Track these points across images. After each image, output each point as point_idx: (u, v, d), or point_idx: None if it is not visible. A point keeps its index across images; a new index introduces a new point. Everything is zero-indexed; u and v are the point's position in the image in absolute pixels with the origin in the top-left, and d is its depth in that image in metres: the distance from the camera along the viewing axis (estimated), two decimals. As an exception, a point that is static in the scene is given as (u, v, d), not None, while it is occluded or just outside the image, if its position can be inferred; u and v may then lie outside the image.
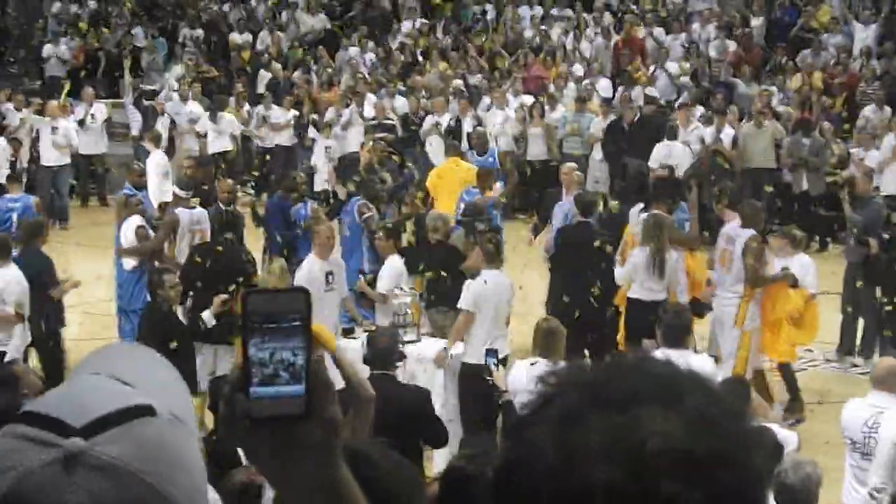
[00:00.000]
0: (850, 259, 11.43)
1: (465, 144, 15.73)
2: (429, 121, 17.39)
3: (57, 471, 1.10)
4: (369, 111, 17.92)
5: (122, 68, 21.29)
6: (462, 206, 11.82)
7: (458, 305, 8.71)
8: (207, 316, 8.94)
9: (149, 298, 9.64)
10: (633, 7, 21.76)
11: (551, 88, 18.54)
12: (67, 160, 17.13)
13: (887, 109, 16.54)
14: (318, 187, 15.73)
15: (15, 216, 12.20)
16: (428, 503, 3.08)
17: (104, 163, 18.18)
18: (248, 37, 22.10)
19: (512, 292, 8.91)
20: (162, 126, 18.08)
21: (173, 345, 8.02)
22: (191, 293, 9.36)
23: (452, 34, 21.81)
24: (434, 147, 16.78)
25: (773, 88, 17.99)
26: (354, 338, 9.22)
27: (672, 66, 19.31)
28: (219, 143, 17.92)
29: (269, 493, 4.70)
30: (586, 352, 9.60)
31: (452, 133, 16.76)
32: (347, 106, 18.01)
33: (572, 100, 17.86)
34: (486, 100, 18.21)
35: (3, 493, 1.10)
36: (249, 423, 1.23)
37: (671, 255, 9.56)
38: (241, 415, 1.22)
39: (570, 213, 11.01)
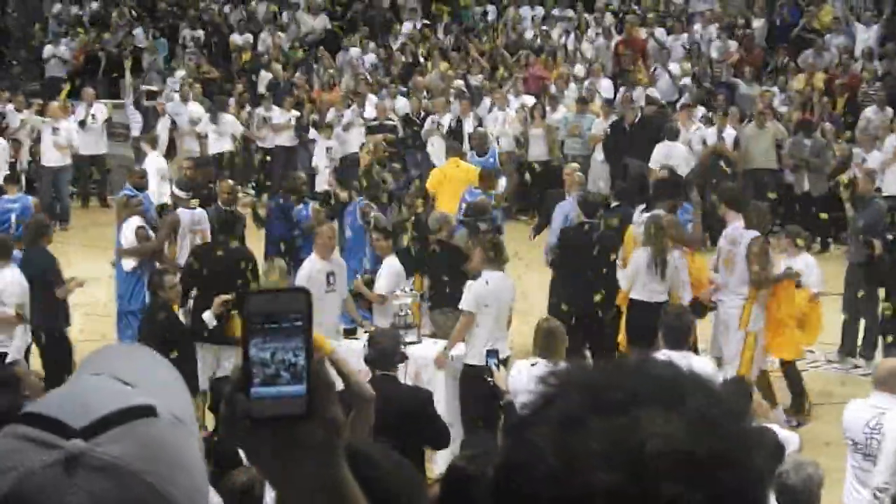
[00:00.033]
0: (852, 260, 11.42)
1: (466, 145, 15.74)
2: (430, 121, 17.39)
3: (58, 472, 1.10)
4: (370, 112, 17.91)
5: (123, 69, 21.29)
6: (464, 206, 11.82)
7: (460, 306, 8.70)
8: (208, 317, 8.93)
9: (148, 299, 9.66)
10: (635, 8, 21.76)
11: (552, 89, 18.54)
12: (69, 161, 17.13)
13: (889, 110, 16.52)
14: (319, 188, 15.74)
15: (14, 217, 12.21)
16: (429, 504, 3.08)
17: (104, 163, 18.19)
18: (248, 37, 22.11)
19: (513, 293, 8.91)
20: (163, 127, 18.10)
21: (173, 345, 8.01)
22: (192, 294, 9.36)
23: (454, 34, 21.82)
24: (435, 148, 16.78)
25: (775, 89, 17.99)
26: (356, 339, 9.22)
27: (673, 67, 19.31)
28: (219, 144, 17.92)
29: (270, 495, 4.70)
30: (587, 353, 9.60)
31: (453, 134, 16.76)
32: (348, 107, 18.02)
33: (573, 100, 17.86)
34: (488, 100, 18.21)
35: (4, 493, 1.10)
36: (250, 424, 1.22)
37: (673, 256, 9.55)
38: (242, 415, 1.22)
39: (570, 214, 11.01)
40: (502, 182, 12.52)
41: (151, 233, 10.93)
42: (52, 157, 16.99)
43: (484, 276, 8.69)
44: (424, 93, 18.77)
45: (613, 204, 11.41)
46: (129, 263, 10.56)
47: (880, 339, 10.89)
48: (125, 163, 17.57)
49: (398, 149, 16.94)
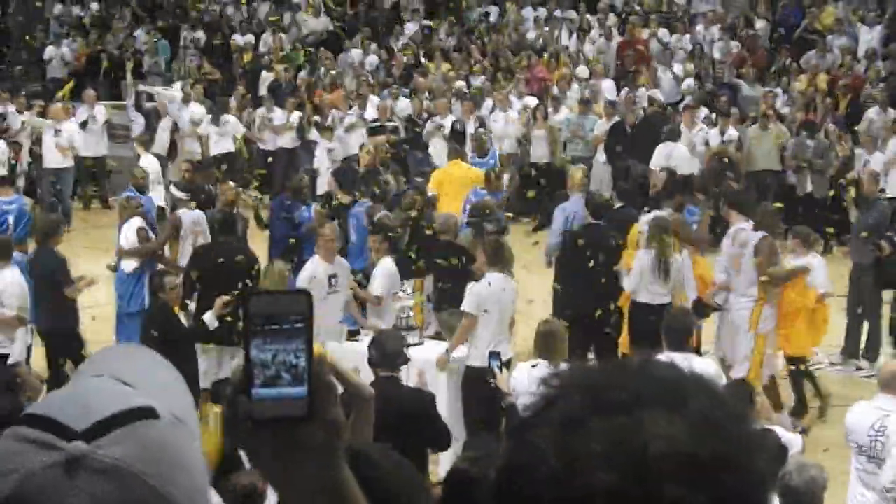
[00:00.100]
0: (855, 261, 11.41)
1: (468, 147, 15.74)
2: (431, 123, 17.39)
3: (59, 474, 1.10)
4: (372, 113, 17.92)
5: (125, 70, 21.31)
6: (468, 207, 11.81)
7: (461, 308, 8.70)
8: (209, 318, 8.93)
9: (149, 300, 9.67)
10: (637, 9, 21.76)
11: (555, 90, 18.54)
12: (70, 163, 17.13)
13: (891, 111, 16.51)
14: (320, 190, 15.74)
15: (11, 218, 12.22)
16: (431, 505, 3.07)
17: (105, 165, 18.20)
18: (249, 38, 22.12)
19: (516, 294, 8.90)
20: (164, 128, 18.11)
21: (174, 347, 8.01)
22: (193, 295, 9.36)
23: (456, 36, 21.82)
24: (437, 149, 16.78)
25: (778, 90, 17.98)
26: (357, 340, 9.23)
27: (676, 68, 19.31)
28: (221, 145, 17.92)
29: (272, 497, 4.70)
30: (590, 354, 9.59)
31: (455, 135, 16.76)
32: (350, 108, 18.02)
33: (576, 102, 17.86)
34: (490, 101, 18.21)
35: (5, 495, 1.10)
36: (251, 425, 1.23)
37: (677, 257, 9.55)
38: (243, 416, 1.22)
39: (570, 216, 11.00)
40: (505, 178, 12.53)
41: (152, 234, 10.94)
42: (53, 159, 16.99)
43: (486, 278, 8.69)
44: (426, 94, 18.78)
45: (617, 205, 11.41)
46: (129, 265, 10.57)
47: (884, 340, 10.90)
48: (126, 164, 17.58)
49: (399, 150, 16.93)
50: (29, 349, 9.43)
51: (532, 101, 17.98)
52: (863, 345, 11.25)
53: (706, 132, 16.19)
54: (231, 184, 12.24)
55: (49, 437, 1.11)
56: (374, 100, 18.38)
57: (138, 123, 18.74)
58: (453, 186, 12.87)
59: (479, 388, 8.12)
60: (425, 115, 17.86)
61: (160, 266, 10.31)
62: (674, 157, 15.06)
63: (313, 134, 17.66)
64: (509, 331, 8.93)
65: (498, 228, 10.90)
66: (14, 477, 1.10)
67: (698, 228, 10.60)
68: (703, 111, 17.08)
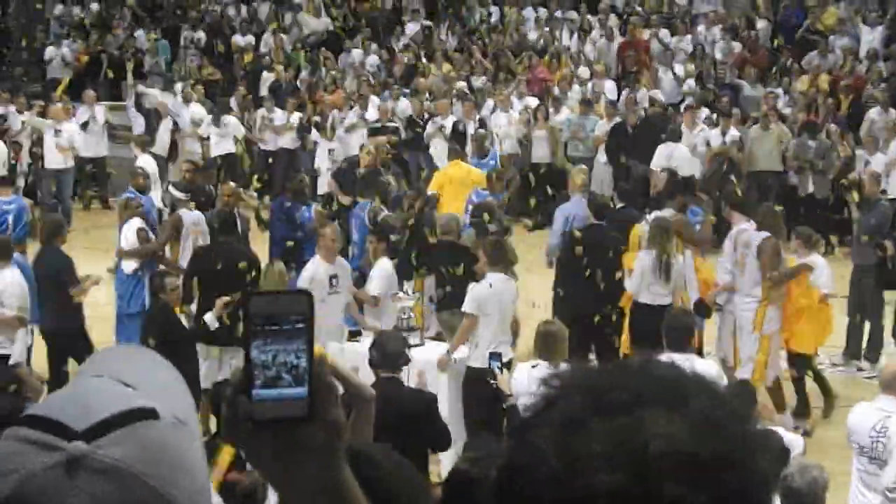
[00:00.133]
0: (857, 262, 11.41)
1: (469, 147, 15.73)
2: (432, 124, 17.39)
3: (59, 474, 1.10)
4: (373, 113, 17.92)
5: (125, 71, 21.31)
6: (470, 207, 11.81)
7: (462, 309, 8.70)
8: (210, 318, 8.93)
9: (149, 301, 9.66)
10: (639, 9, 21.76)
11: (556, 91, 18.53)
12: (71, 163, 17.14)
13: (893, 112, 16.51)
14: (321, 190, 15.74)
15: (10, 218, 12.22)
16: (432, 506, 3.07)
17: (105, 165, 18.20)
18: (250, 39, 22.12)
19: (517, 295, 8.90)
20: (164, 129, 18.10)
21: (174, 347, 8.01)
22: (194, 296, 9.36)
23: (457, 36, 21.82)
24: (438, 150, 16.78)
25: (779, 91, 17.98)
26: (357, 341, 9.23)
27: (677, 69, 19.31)
28: (222, 146, 17.92)
29: (273, 499, 4.70)
30: (591, 355, 9.59)
31: (456, 136, 16.76)
32: (351, 108, 18.01)
33: (577, 102, 17.86)
34: (490, 102, 18.21)
35: (6, 495, 1.10)
36: (252, 426, 1.22)
37: (678, 259, 9.55)
38: (243, 417, 1.22)
39: (570, 217, 11.00)
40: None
41: (152, 235, 10.94)
42: (54, 160, 16.99)
43: (487, 279, 8.69)
44: (427, 95, 18.77)
45: (618, 205, 11.40)
46: (129, 265, 10.57)
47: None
48: (126, 165, 17.57)
49: (400, 151, 16.93)
50: (29, 350, 9.42)
51: (533, 102, 17.98)
52: (864, 345, 11.25)
53: (707, 133, 16.18)
54: (231, 184, 12.24)
55: (49, 438, 1.11)
56: (374, 100, 18.37)
57: (138, 124, 18.74)
58: (454, 187, 12.87)
59: (479, 388, 8.12)
60: (426, 115, 17.85)
61: (160, 267, 10.31)
62: (674, 157, 15.05)
63: (314, 134, 17.65)
64: (514, 334, 8.93)
65: (500, 229, 10.90)
66: (14, 477, 1.10)
67: (701, 229, 10.59)
68: (705, 112, 17.08)
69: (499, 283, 8.67)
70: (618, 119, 17.03)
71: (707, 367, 7.20)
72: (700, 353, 9.09)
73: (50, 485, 1.09)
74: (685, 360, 6.11)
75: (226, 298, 8.91)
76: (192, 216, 11.20)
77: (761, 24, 20.64)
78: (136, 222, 10.79)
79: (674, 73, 19.19)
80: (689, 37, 20.30)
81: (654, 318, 8.71)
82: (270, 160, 18.28)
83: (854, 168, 15.01)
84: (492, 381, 7.61)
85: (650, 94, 18.24)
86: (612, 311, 9.79)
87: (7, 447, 1.12)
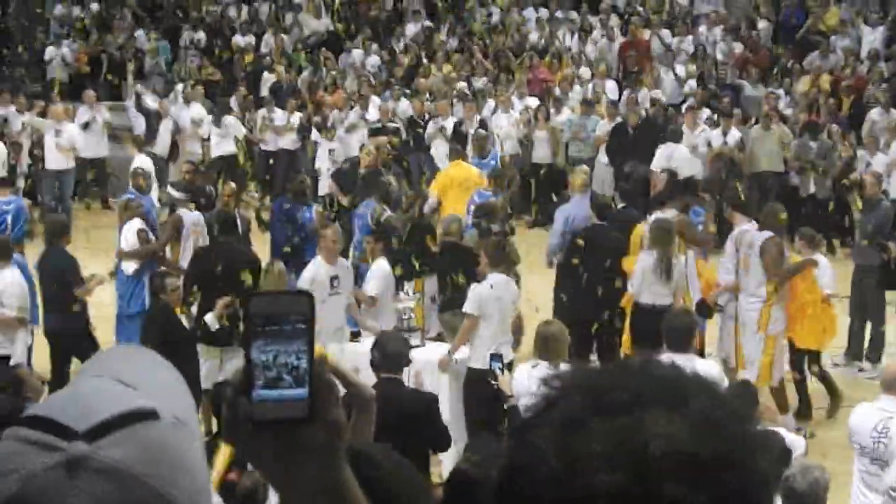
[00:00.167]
0: (858, 262, 11.41)
1: (469, 148, 15.73)
2: (433, 124, 17.39)
3: (60, 474, 1.10)
4: (373, 114, 17.92)
5: (125, 71, 21.30)
6: (473, 207, 11.81)
7: (463, 310, 8.70)
8: (210, 319, 8.94)
9: (150, 301, 9.66)
10: (640, 9, 21.76)
11: (556, 91, 18.53)
12: (72, 164, 17.13)
13: (894, 112, 16.51)
14: (321, 191, 15.74)
15: (9, 218, 12.22)
16: (433, 506, 3.07)
17: (105, 166, 18.19)
18: (251, 39, 22.12)
19: (515, 295, 8.90)
20: (165, 129, 18.10)
21: (175, 348, 8.01)
22: (195, 296, 9.36)
23: (457, 36, 21.82)
24: (439, 151, 16.78)
25: (780, 91, 17.98)
26: (358, 342, 9.23)
27: (678, 69, 19.31)
28: (222, 147, 17.91)
29: (273, 499, 4.70)
30: (591, 355, 9.59)
31: (457, 136, 16.76)
32: (351, 109, 18.01)
33: (578, 103, 17.85)
34: (491, 103, 18.21)
35: (6, 496, 1.10)
36: (252, 427, 1.22)
37: (679, 260, 9.54)
38: (243, 418, 1.22)
39: (570, 218, 11.00)
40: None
41: (152, 235, 10.94)
42: (54, 160, 16.99)
43: (488, 280, 8.69)
44: (427, 95, 18.77)
45: (620, 205, 11.40)
46: (130, 266, 10.57)
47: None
48: (126, 165, 17.57)
49: (401, 151, 16.93)
50: (29, 350, 9.42)
51: (534, 102, 17.98)
52: (866, 346, 11.24)
53: (708, 133, 16.18)
54: (232, 184, 12.24)
55: (50, 438, 1.11)
56: (375, 101, 18.37)
57: (139, 124, 18.74)
58: (456, 188, 12.87)
59: (480, 389, 8.12)
60: (426, 116, 17.85)
61: (161, 267, 10.31)
62: (675, 158, 15.05)
63: (314, 134, 17.65)
64: (519, 333, 8.92)
65: (503, 229, 10.90)
66: (15, 478, 1.10)
67: (703, 230, 10.59)
68: (706, 112, 17.07)
69: (500, 284, 8.67)
70: (619, 119, 17.03)
71: (708, 367, 7.20)
72: (701, 353, 9.09)
73: (50, 485, 1.09)
74: (686, 361, 6.12)
75: (226, 299, 8.91)
76: (191, 217, 11.20)
77: (762, 24, 20.64)
78: (137, 223, 10.79)
79: (675, 74, 19.19)
80: (690, 37, 20.30)
81: (655, 318, 8.71)
82: (271, 161, 18.27)
83: (855, 168, 15.00)
84: (492, 382, 7.61)
85: (651, 94, 18.24)
86: (611, 318, 9.79)
87: (7, 447, 1.12)
